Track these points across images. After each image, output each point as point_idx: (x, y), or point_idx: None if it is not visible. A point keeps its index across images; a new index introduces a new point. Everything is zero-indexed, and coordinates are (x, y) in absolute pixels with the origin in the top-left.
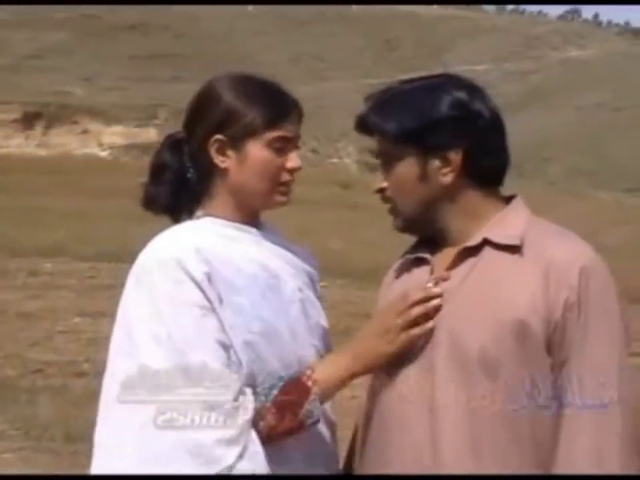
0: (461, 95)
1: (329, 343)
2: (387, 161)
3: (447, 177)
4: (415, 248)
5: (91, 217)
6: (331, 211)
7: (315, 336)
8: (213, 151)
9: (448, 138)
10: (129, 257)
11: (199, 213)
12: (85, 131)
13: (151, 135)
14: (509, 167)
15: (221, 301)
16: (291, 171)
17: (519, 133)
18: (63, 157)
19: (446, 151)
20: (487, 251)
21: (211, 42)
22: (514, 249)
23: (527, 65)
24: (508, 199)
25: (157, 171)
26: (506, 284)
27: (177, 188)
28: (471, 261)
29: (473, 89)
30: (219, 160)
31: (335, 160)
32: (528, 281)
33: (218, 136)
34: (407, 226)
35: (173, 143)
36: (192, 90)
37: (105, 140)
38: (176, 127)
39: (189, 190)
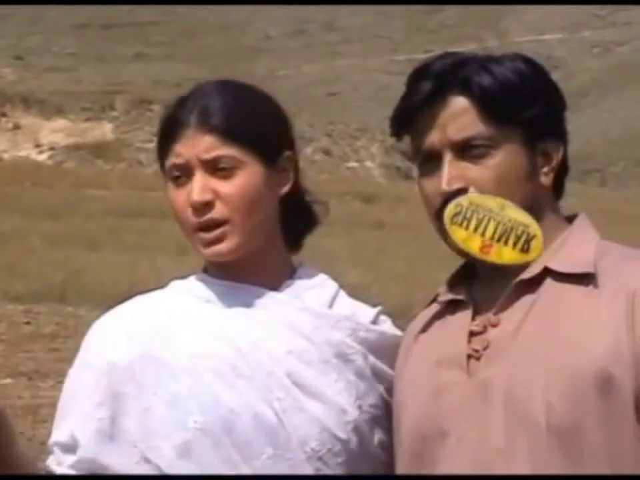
0: (547, 76)
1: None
2: (484, 146)
3: (548, 178)
4: (449, 285)
5: (26, 243)
6: (348, 233)
7: (302, 438)
8: None
9: (550, 128)
10: (76, 296)
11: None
12: (16, 127)
13: (106, 131)
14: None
15: (154, 392)
16: (197, 212)
17: (601, 123)
18: None
19: (547, 143)
20: (549, 284)
21: (185, 7)
22: (586, 279)
23: (613, 33)
24: (569, 218)
25: None
26: (577, 324)
27: None
28: (527, 299)
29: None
30: None
31: (353, 164)
32: (607, 318)
33: None
34: None
35: None
36: (160, 72)
37: (44, 139)
38: (138, 120)
39: None
